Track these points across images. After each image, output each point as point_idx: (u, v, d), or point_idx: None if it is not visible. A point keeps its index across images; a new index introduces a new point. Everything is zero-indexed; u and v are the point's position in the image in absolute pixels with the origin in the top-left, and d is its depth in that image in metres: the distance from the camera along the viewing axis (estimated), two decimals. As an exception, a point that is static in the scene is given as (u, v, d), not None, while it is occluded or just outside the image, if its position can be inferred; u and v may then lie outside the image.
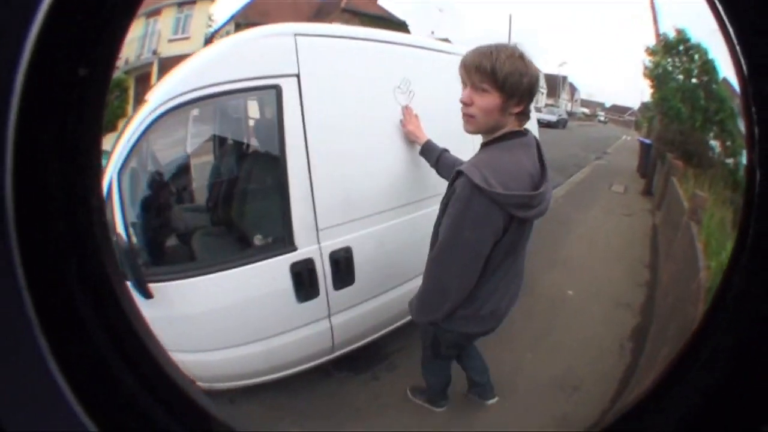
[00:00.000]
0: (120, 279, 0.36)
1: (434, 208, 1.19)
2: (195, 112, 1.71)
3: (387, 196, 1.60)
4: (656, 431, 0.40)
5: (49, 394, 0.32)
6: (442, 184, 1.24)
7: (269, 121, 1.49)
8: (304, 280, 1.41)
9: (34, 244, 0.33)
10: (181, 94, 1.26)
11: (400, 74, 1.63)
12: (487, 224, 1.05)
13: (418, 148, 1.61)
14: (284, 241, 1.40)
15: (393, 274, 1.66)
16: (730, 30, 0.35)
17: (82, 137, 0.36)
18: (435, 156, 1.55)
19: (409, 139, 1.63)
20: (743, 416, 0.36)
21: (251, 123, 1.89)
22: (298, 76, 1.37)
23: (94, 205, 0.35)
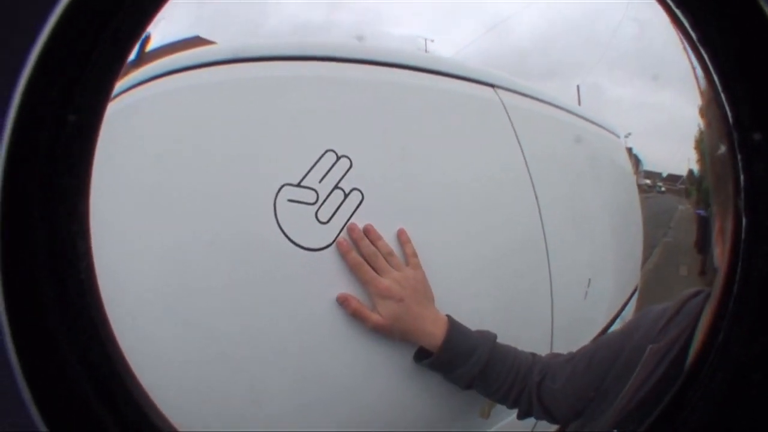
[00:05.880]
0: (102, 317, 0.36)
1: None
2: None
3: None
4: None
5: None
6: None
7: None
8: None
9: (16, 285, 0.34)
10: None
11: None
12: None
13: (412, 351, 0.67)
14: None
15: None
16: (715, 78, 0.36)
17: (70, 184, 0.36)
18: (478, 362, 0.66)
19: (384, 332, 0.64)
20: None
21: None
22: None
23: (80, 251, 0.35)
